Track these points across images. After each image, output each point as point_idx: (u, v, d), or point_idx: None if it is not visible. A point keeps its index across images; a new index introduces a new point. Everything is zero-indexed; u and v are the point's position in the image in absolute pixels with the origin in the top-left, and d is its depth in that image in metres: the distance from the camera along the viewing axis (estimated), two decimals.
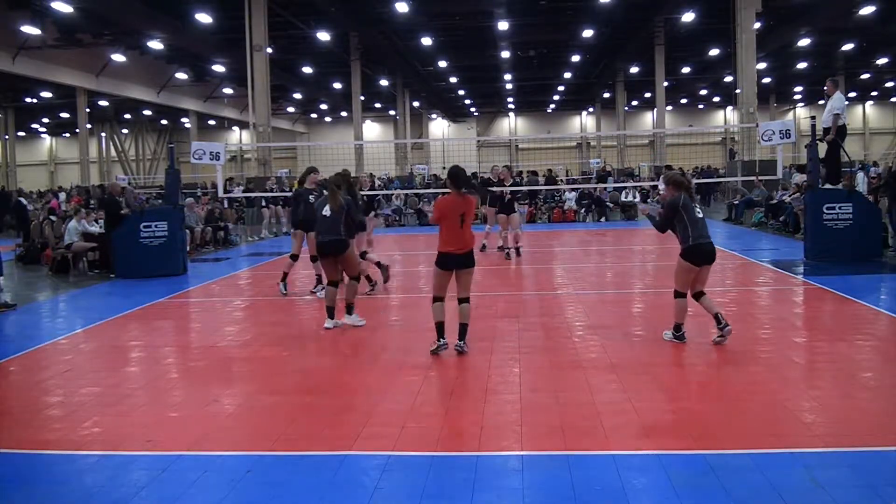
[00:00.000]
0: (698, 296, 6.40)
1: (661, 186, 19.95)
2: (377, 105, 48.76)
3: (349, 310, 7.49)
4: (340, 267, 7.49)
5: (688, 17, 26.81)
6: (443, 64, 36.54)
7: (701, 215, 6.35)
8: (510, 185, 13.22)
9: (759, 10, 21.82)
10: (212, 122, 51.71)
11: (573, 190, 23.24)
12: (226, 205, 19.67)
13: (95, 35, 26.85)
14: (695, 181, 18.79)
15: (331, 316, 7.39)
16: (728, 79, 32.54)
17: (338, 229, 7.32)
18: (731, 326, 6.33)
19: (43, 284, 11.98)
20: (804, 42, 31.72)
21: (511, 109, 58.42)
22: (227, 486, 3.88)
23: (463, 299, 6.30)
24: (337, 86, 40.83)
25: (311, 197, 9.36)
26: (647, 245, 15.30)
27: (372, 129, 56.21)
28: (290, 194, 11.80)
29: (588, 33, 29.45)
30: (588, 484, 3.73)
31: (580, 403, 4.98)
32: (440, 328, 6.30)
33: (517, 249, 12.65)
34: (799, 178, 16.38)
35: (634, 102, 52.37)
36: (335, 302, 7.44)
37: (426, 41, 30.41)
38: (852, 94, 48.83)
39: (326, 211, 7.35)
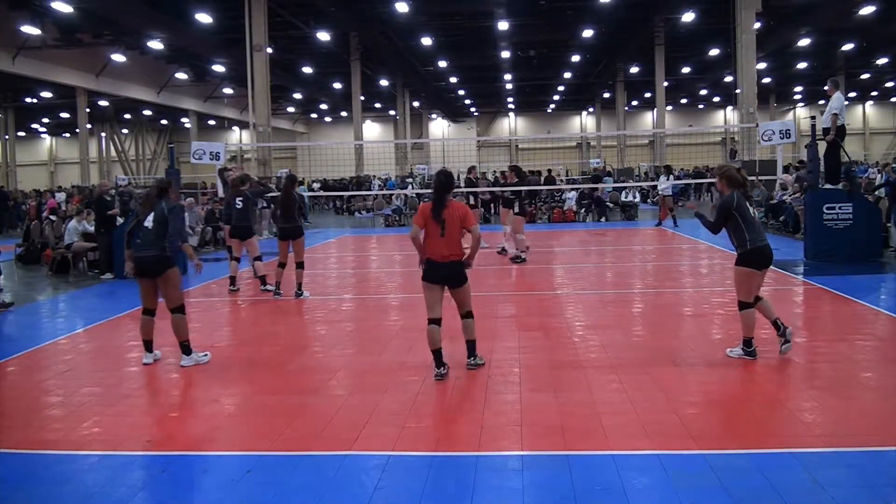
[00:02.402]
0: (756, 299, 5.95)
1: (661, 186, 20.00)
2: (377, 105, 48.77)
3: (185, 350, 6.30)
4: (160, 292, 6.26)
5: (688, 17, 26.82)
6: (443, 64, 36.55)
7: (756, 216, 5.86)
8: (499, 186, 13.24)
9: (759, 10, 21.83)
10: (212, 122, 51.73)
11: (573, 190, 23.23)
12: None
13: (95, 35, 26.85)
14: (669, 183, 18.90)
15: (148, 349, 6.39)
16: (728, 79, 32.53)
17: (159, 244, 6.13)
18: (791, 331, 5.98)
19: (43, 284, 11.99)
20: (804, 42, 31.73)
21: (511, 109, 58.44)
22: (227, 486, 3.88)
23: (465, 315, 5.83)
24: (337, 86, 40.85)
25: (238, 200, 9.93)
26: (647, 245, 15.31)
27: (372, 129, 56.22)
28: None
29: (588, 33, 29.45)
30: (588, 484, 3.73)
31: (580, 403, 4.98)
32: (437, 356, 5.69)
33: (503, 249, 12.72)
34: (782, 178, 16.38)
35: (634, 102, 52.39)
36: (152, 333, 6.39)
37: (426, 41, 30.41)
38: (852, 94, 48.86)
39: (149, 222, 6.16)
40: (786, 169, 18.91)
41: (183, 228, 6.47)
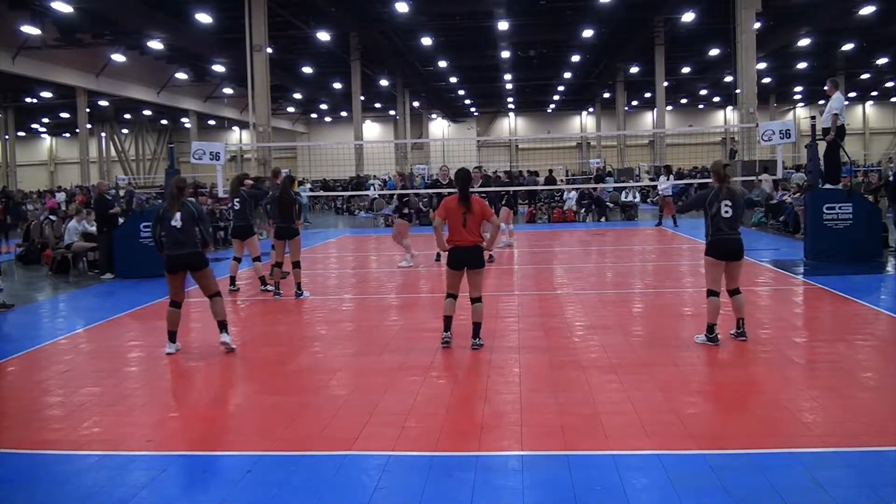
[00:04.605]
0: (732, 293, 6.44)
1: (661, 186, 20.00)
2: (377, 105, 48.74)
3: (224, 328, 6.70)
4: (199, 284, 6.69)
5: (688, 17, 26.81)
6: (443, 64, 36.52)
7: (729, 214, 6.25)
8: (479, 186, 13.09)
9: (759, 10, 21.80)
10: (212, 122, 51.69)
11: (574, 190, 23.24)
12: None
13: (95, 35, 26.82)
14: (669, 183, 18.88)
15: (172, 340, 6.68)
16: (728, 79, 32.52)
17: (193, 241, 6.54)
18: (746, 339, 6.42)
19: (43, 284, 11.99)
20: (804, 42, 31.71)
21: (511, 109, 58.41)
22: (227, 486, 3.88)
23: (475, 299, 6.51)
24: (337, 86, 40.81)
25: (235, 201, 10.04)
26: (646, 245, 15.31)
27: (372, 129, 56.19)
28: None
29: (588, 33, 29.44)
30: (588, 484, 3.74)
31: (580, 403, 4.98)
32: (447, 321, 6.57)
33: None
34: (765, 177, 16.42)
35: (634, 102, 52.36)
36: (177, 325, 6.70)
37: (426, 41, 30.40)
38: (852, 94, 48.83)
39: (177, 221, 6.49)
40: (765, 169, 18.88)
41: (208, 230, 6.86)
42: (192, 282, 6.78)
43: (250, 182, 10.45)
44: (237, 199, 10.00)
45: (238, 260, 10.32)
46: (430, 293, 9.67)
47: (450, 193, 12.05)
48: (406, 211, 12.25)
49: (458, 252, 6.43)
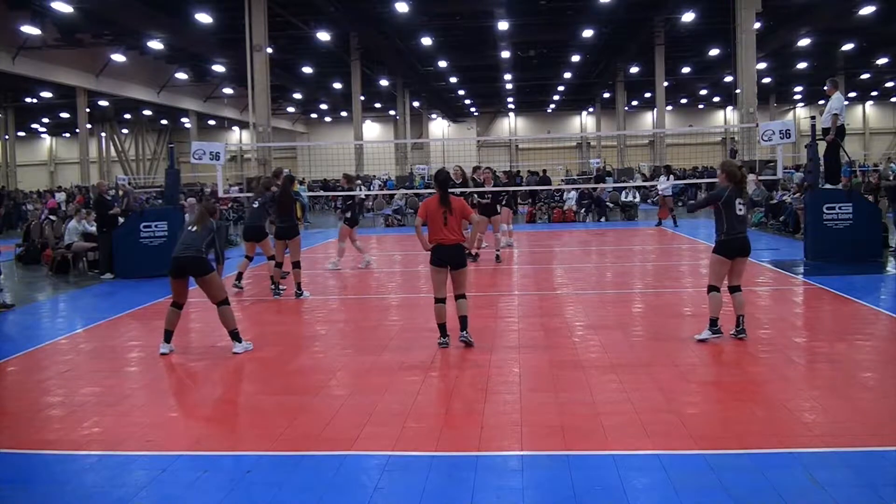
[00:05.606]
0: (733, 289, 6.55)
1: (661, 187, 19.99)
2: (377, 105, 48.73)
3: (235, 337, 6.69)
4: (205, 292, 6.70)
5: (688, 17, 26.79)
6: (443, 64, 36.51)
7: (742, 213, 6.43)
8: (492, 187, 13.06)
9: (759, 10, 21.81)
10: (212, 122, 51.68)
11: (573, 190, 23.23)
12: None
13: (95, 35, 26.82)
14: (669, 183, 18.86)
15: (167, 340, 6.69)
16: (728, 79, 32.50)
17: (198, 246, 6.56)
18: (746, 336, 6.47)
19: (43, 284, 11.99)
20: (804, 42, 31.70)
21: (511, 109, 58.39)
22: (227, 486, 3.88)
23: (460, 295, 6.57)
24: (337, 86, 40.80)
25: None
26: (647, 245, 15.31)
27: (372, 129, 56.17)
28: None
29: (588, 33, 29.42)
30: (588, 484, 3.73)
31: (580, 403, 4.98)
32: (442, 328, 6.63)
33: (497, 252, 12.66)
34: (751, 177, 16.42)
35: (634, 102, 52.32)
36: (175, 325, 6.72)
37: (426, 41, 30.38)
38: (852, 94, 48.80)
39: (192, 225, 6.68)
40: (751, 170, 18.91)
41: (223, 248, 6.92)
42: (171, 289, 6.76)
43: (275, 190, 10.40)
44: (258, 199, 9.94)
45: (249, 258, 10.29)
46: (430, 293, 9.66)
47: (477, 194, 12.21)
48: (349, 215, 12.20)
49: (441, 250, 6.51)
